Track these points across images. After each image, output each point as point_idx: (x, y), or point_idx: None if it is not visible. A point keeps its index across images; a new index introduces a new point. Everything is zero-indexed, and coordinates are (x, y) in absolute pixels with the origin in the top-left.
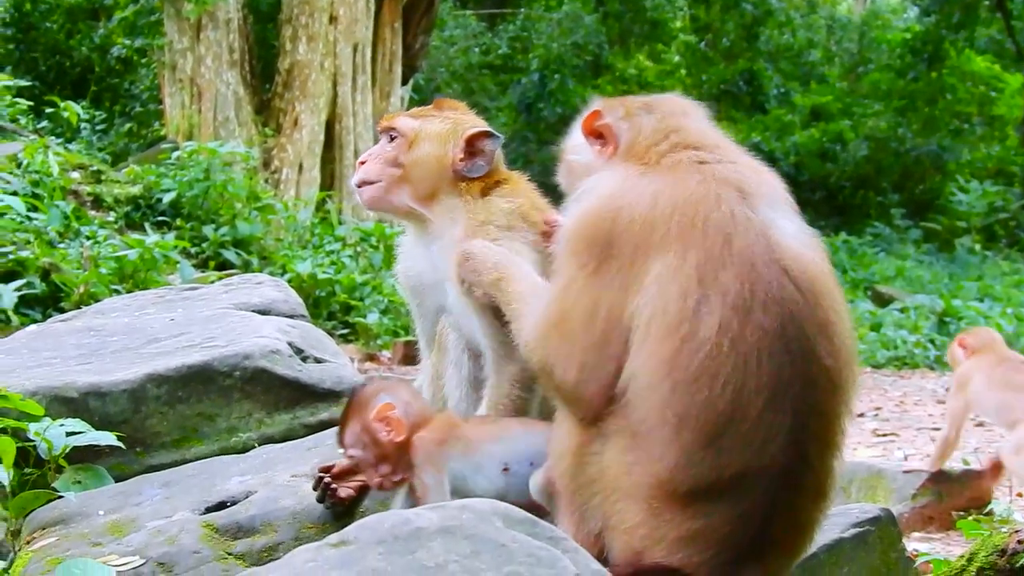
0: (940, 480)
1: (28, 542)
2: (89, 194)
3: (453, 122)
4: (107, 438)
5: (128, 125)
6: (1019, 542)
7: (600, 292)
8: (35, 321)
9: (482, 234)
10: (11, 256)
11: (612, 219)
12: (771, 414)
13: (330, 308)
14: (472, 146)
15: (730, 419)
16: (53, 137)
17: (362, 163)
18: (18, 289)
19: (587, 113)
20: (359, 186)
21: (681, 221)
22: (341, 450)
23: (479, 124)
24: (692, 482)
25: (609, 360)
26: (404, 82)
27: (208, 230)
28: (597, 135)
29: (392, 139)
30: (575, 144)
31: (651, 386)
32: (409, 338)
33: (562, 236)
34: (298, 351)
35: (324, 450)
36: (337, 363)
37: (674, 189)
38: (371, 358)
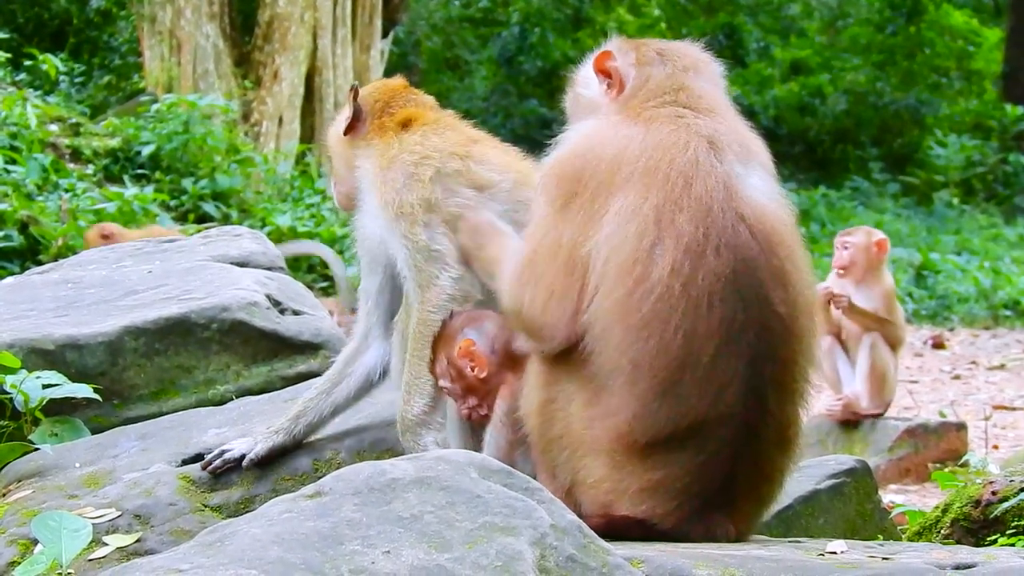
0: (916, 432)
1: (3, 494)
2: (68, 147)
3: None
4: (84, 390)
5: (107, 78)
6: (993, 493)
7: (564, 227)
8: (12, 274)
9: (396, 165)
10: None
11: (583, 158)
12: (724, 360)
13: (310, 261)
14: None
15: (683, 365)
16: (31, 89)
17: None
18: None
19: (600, 51)
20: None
21: (647, 164)
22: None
23: None
24: (651, 433)
25: (572, 288)
26: (384, 35)
27: (187, 183)
28: (606, 73)
29: None
30: (584, 77)
31: (607, 330)
32: None
33: (539, 178)
34: (276, 303)
35: None
36: (315, 315)
37: (646, 136)
38: (351, 311)
